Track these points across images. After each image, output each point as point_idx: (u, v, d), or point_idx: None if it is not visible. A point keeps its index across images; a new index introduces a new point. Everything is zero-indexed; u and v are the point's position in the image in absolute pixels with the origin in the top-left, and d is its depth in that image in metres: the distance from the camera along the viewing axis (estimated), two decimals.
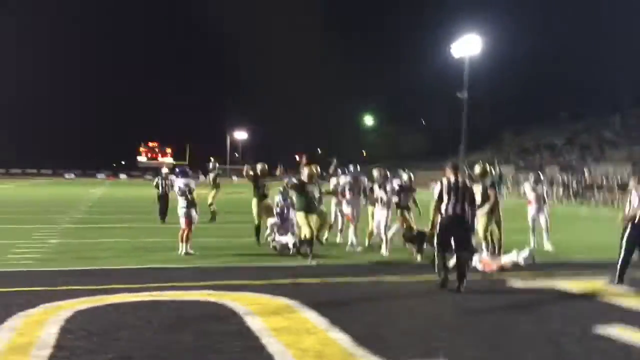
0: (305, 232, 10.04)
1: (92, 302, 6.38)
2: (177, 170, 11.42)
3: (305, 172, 10.39)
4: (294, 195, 10.64)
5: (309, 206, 10.16)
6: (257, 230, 11.60)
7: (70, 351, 4.75)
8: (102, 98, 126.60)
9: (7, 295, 6.71)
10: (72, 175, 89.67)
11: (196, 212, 10.43)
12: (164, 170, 17.08)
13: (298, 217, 10.35)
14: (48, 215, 17.76)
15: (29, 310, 5.97)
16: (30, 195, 32.79)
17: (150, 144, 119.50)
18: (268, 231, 11.25)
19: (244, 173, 12.32)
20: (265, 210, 11.59)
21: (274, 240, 10.82)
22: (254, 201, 11.74)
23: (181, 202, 10.40)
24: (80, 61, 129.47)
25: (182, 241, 10.19)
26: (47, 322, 5.54)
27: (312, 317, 5.96)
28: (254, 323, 5.66)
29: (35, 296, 6.59)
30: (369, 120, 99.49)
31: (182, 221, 10.24)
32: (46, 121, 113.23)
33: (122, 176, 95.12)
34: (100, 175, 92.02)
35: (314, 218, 10.20)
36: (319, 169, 10.74)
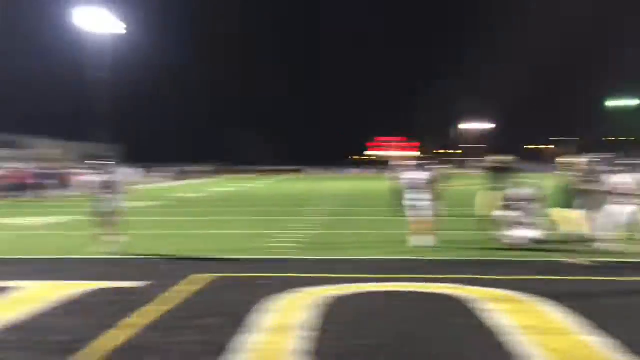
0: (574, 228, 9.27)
1: (345, 289, 6.87)
2: (414, 163, 11.62)
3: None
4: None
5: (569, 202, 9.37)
6: (490, 223, 11.18)
7: (334, 334, 5.21)
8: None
9: (266, 280, 7.56)
10: (351, 171, 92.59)
11: (435, 204, 10.50)
12: (394, 163, 17.51)
13: (563, 212, 9.55)
14: (304, 208, 19.47)
15: (286, 294, 6.66)
16: (289, 190, 36.10)
17: (382, 139, 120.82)
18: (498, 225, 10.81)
19: (484, 165, 12.04)
20: (491, 202, 11.18)
21: (505, 233, 10.35)
22: (485, 193, 11.44)
23: (410, 194, 10.57)
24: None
25: (415, 233, 10.38)
26: (305, 306, 6.13)
27: (565, 317, 5.63)
28: (500, 319, 5.55)
29: (292, 282, 7.32)
30: (632, 102, 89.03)
31: (412, 213, 10.45)
32: (286, 121, 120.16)
33: (357, 170, 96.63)
34: (350, 170, 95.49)
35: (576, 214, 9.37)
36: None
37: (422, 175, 10.65)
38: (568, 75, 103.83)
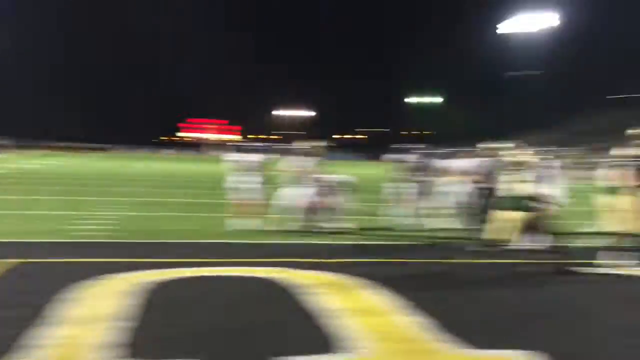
0: None
1: (161, 275, 6.45)
2: (240, 145, 11.47)
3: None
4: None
5: None
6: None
7: (149, 323, 4.79)
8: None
9: (73, 266, 6.86)
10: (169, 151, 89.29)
11: (265, 187, 10.42)
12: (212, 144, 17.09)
13: None
14: (115, 188, 18.28)
15: (97, 281, 6.08)
16: (104, 168, 33.87)
17: (196, 120, 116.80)
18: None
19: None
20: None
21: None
22: None
23: (236, 177, 10.42)
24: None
25: (237, 216, 10.23)
26: (118, 293, 5.62)
27: (387, 298, 5.81)
28: (322, 302, 5.57)
29: (103, 267, 6.71)
30: (436, 99, 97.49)
31: (236, 196, 10.30)
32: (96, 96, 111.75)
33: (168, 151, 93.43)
34: (166, 151, 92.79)
35: None
36: None
37: (254, 158, 10.53)
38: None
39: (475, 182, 9.85)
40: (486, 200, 9.37)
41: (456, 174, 10.86)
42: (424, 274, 7.22)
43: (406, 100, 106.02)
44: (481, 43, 75.22)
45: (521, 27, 53.19)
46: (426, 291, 6.24)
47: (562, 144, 67.36)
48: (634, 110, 71.32)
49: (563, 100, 79.54)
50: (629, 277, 7.36)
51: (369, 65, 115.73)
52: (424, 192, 11.27)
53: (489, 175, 9.53)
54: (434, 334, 4.78)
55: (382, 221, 11.61)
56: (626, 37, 72.96)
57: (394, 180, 11.57)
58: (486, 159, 9.86)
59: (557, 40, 58.56)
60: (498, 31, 56.21)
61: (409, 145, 11.97)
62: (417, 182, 11.29)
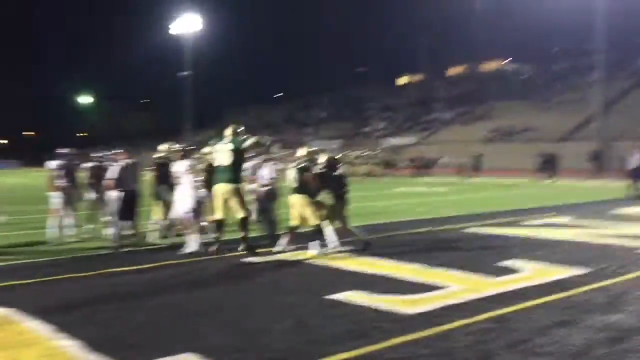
0: None
1: None
2: None
3: None
4: None
5: None
6: None
7: None
8: None
9: None
10: None
11: None
12: None
13: None
14: None
15: None
16: None
17: None
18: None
19: None
20: None
21: None
22: None
23: None
24: None
25: None
26: None
27: (32, 326, 5.04)
28: None
29: None
30: (86, 99, 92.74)
31: None
32: None
33: None
34: None
35: None
36: None
37: None
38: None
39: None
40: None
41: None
42: (70, 292, 6.57)
43: (70, 101, 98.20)
44: (154, 42, 74.38)
45: (188, 27, 54.00)
46: (74, 310, 5.66)
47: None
48: (280, 110, 79.59)
49: (216, 100, 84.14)
50: (294, 262, 7.95)
51: (18, 65, 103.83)
52: (71, 200, 10.24)
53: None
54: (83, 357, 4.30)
55: (37, 235, 10.35)
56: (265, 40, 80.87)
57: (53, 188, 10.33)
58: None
59: (205, 41, 61.40)
60: (171, 31, 56.04)
61: (64, 150, 10.70)
62: (62, 189, 10.15)
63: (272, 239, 9.10)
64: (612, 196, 18.42)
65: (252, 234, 8.94)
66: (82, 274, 7.29)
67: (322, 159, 8.99)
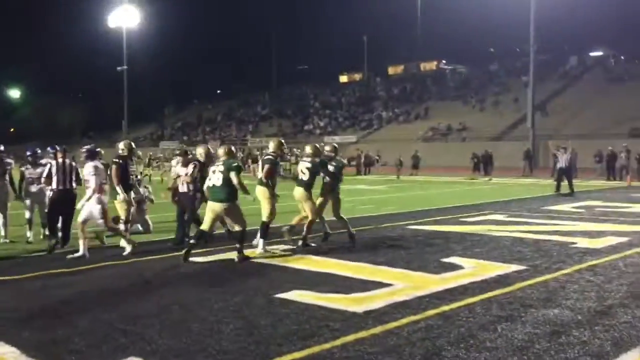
0: None
1: None
2: None
3: None
4: None
5: None
6: None
7: None
8: None
9: None
10: None
11: None
12: None
13: None
14: None
15: None
16: None
17: None
18: None
19: None
20: None
21: None
22: None
23: None
24: None
25: None
26: None
27: None
28: None
29: None
30: (15, 93, 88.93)
31: None
32: None
33: None
34: None
35: None
36: None
37: None
38: None
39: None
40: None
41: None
42: (3, 296, 6.28)
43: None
44: (91, 35, 71.57)
45: (126, 20, 52.34)
46: (8, 315, 5.40)
47: (168, 137, 69.77)
48: (220, 107, 78.68)
49: (155, 96, 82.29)
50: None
51: None
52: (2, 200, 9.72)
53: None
54: None
55: None
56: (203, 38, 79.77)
57: None
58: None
59: (145, 36, 59.88)
60: (108, 23, 54.09)
61: None
62: None
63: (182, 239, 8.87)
64: (544, 193, 19.15)
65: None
66: (15, 277, 6.97)
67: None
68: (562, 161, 18.85)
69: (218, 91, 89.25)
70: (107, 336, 4.76)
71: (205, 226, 7.98)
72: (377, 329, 4.87)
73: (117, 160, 9.02)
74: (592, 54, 60.63)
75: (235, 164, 7.91)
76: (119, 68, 54.36)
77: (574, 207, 14.79)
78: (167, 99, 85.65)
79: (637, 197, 17.83)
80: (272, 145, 9.11)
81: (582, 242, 9.20)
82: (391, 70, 75.01)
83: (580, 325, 4.95)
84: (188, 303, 5.77)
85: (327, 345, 4.50)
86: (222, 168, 7.87)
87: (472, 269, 7.27)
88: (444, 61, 72.08)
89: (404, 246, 9.14)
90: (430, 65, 71.35)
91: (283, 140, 9.71)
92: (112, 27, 54.25)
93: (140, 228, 10.64)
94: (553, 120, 42.53)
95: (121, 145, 9.52)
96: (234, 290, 6.26)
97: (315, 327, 4.94)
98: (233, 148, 8.73)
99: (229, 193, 7.82)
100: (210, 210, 7.90)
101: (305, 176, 8.99)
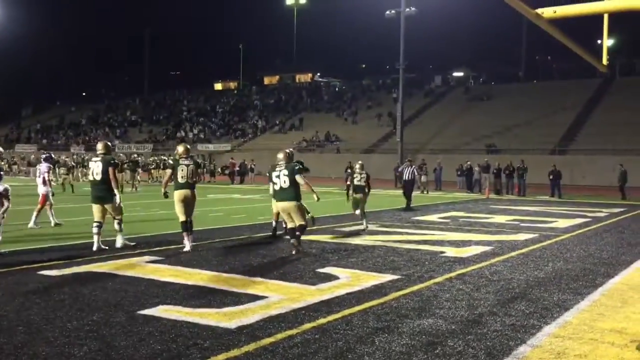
0: None
1: None
2: None
3: None
4: None
5: None
6: None
7: None
8: None
9: None
10: None
11: None
12: None
13: None
14: None
15: None
16: None
17: None
18: None
19: None
20: None
21: None
22: None
23: None
24: None
25: None
26: None
27: None
28: None
29: None
30: None
31: None
32: None
33: None
34: None
35: None
36: None
37: None
38: None
39: None
40: None
41: None
42: None
43: None
44: None
45: None
46: None
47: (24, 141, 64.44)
48: (84, 110, 74.30)
49: (14, 96, 76.21)
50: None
51: None
52: None
53: None
54: None
55: None
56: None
57: None
58: None
59: (3, 34, 55.22)
60: None
61: None
62: None
63: None
64: (413, 204, 19.82)
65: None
66: None
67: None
68: (407, 174, 19.29)
69: (83, 93, 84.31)
70: None
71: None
72: (251, 346, 4.53)
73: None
74: (455, 74, 64.78)
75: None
76: None
77: (440, 218, 15.41)
78: (25, 100, 79.51)
79: (496, 208, 19.01)
80: (180, 150, 9.55)
81: (450, 252, 9.49)
82: (267, 80, 75.24)
83: (454, 335, 4.95)
84: (35, 323, 5.07)
85: None
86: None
87: (347, 279, 7.16)
88: (318, 74, 73.50)
89: (278, 256, 8.89)
90: (306, 77, 72.49)
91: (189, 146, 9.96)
92: None
93: None
94: (420, 134, 44.64)
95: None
96: (91, 307, 5.63)
97: (182, 346, 4.51)
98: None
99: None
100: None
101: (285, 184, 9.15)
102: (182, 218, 9.25)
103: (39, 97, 79.72)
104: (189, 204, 9.26)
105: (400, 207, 18.39)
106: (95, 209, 9.16)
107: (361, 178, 12.83)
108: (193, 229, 9.44)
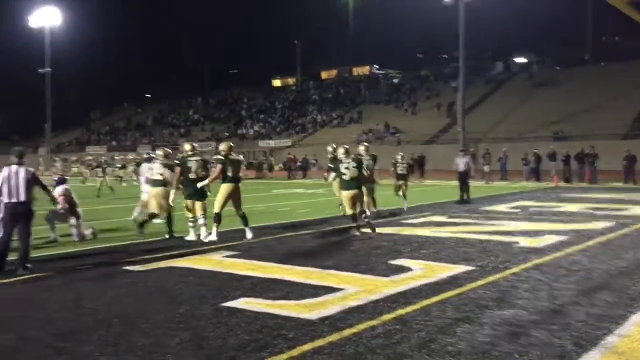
0: None
1: None
2: None
3: None
4: None
5: None
6: None
7: None
8: None
9: None
10: None
11: None
12: None
13: None
14: None
15: None
16: None
17: None
18: None
19: None
20: None
21: None
22: None
23: None
24: None
25: None
26: None
27: None
28: None
29: None
30: None
31: None
32: None
33: None
34: None
35: None
36: None
37: None
38: None
39: None
40: None
41: None
42: None
43: None
44: (11, 35, 67.65)
45: (48, 20, 49.79)
46: None
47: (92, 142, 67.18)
48: (150, 111, 76.64)
49: (81, 100, 79.21)
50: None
51: None
52: None
53: None
54: None
55: None
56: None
57: None
58: None
59: (69, 38, 57.35)
60: (30, 23, 51.21)
61: None
62: None
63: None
64: (478, 195, 19.48)
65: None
66: None
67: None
68: (462, 164, 17.63)
69: (147, 95, 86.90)
70: (38, 356, 4.31)
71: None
72: (334, 337, 4.63)
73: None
74: (517, 59, 63.03)
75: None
76: (40, 70, 51.82)
77: (509, 208, 15.11)
78: (94, 103, 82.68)
79: (566, 196, 18.47)
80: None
81: (524, 242, 9.32)
82: (324, 75, 75.28)
83: (537, 325, 4.89)
84: (128, 316, 5.35)
85: (283, 356, 4.24)
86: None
87: (421, 271, 7.17)
88: (375, 66, 73.05)
89: (350, 249, 8.97)
90: (363, 70, 72.06)
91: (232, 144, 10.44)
92: (34, 27, 51.68)
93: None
94: (482, 123, 43.76)
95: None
96: (177, 300, 5.88)
97: (268, 337, 4.66)
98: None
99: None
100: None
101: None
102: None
103: (107, 100, 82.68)
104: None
105: (464, 198, 18.05)
106: (194, 204, 10.10)
107: (403, 167, 15.31)
108: (219, 222, 9.84)
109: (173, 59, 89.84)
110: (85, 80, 79.35)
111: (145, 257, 8.29)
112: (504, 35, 65.56)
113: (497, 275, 6.85)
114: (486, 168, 28.33)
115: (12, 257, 7.50)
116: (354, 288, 6.27)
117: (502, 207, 15.27)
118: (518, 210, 14.55)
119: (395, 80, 65.27)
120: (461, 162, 17.68)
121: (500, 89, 53.90)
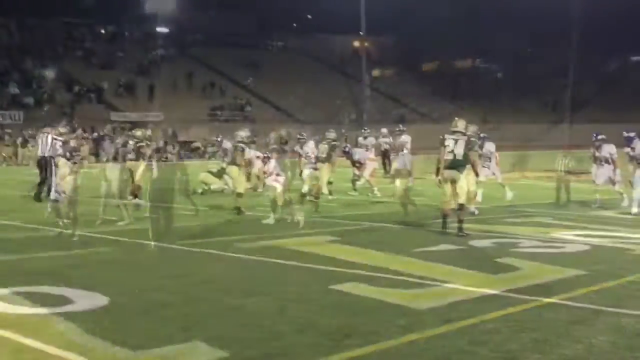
0: None
1: None
2: None
3: None
4: None
5: None
6: None
7: None
8: None
9: None
10: None
11: None
12: None
13: None
14: None
15: None
16: None
17: None
18: None
19: None
20: None
21: None
22: None
23: None
24: None
25: None
26: None
27: None
28: None
29: None
30: None
31: None
32: None
33: None
34: None
35: None
36: None
37: None
38: None
39: None
40: None
41: None
42: None
43: None
44: None
45: None
46: None
47: None
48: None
49: None
50: None
51: None
52: None
53: None
54: None
55: None
56: None
57: None
58: None
59: None
60: None
61: None
62: None
63: None
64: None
65: None
66: None
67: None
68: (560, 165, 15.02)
69: None
70: (166, 319, 4.67)
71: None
72: (444, 328, 4.68)
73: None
74: (635, 57, 59.18)
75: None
76: None
77: (620, 213, 14.25)
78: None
79: None
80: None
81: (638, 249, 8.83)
82: (424, 68, 73.84)
83: None
84: (245, 290, 5.66)
85: (394, 342, 4.33)
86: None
87: (529, 271, 7.01)
88: (478, 59, 70.88)
89: (455, 243, 8.86)
90: (465, 64, 70.08)
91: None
92: None
93: None
94: (591, 123, 41.50)
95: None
96: (290, 281, 6.13)
97: (380, 322, 4.77)
98: None
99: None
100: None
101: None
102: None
103: None
104: None
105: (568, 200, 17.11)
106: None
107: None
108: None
109: None
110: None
111: (252, 235, 8.58)
112: (620, 32, 61.43)
113: (612, 282, 6.54)
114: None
115: None
116: (461, 282, 6.24)
117: (611, 213, 14.45)
118: (632, 216, 13.73)
119: (499, 75, 63.15)
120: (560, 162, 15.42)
121: (614, 87, 50.92)
